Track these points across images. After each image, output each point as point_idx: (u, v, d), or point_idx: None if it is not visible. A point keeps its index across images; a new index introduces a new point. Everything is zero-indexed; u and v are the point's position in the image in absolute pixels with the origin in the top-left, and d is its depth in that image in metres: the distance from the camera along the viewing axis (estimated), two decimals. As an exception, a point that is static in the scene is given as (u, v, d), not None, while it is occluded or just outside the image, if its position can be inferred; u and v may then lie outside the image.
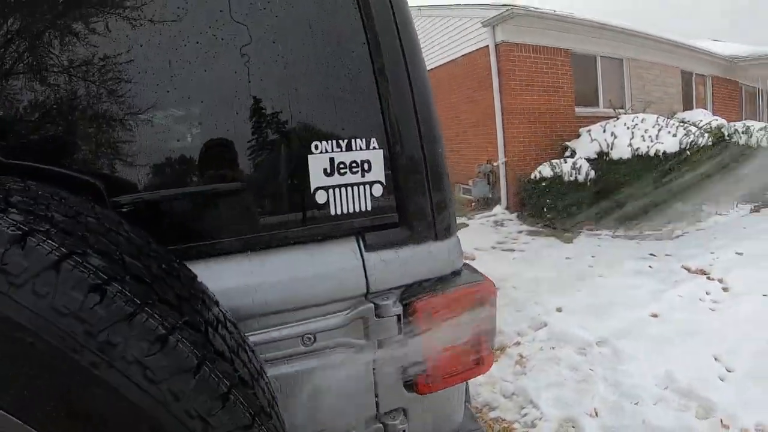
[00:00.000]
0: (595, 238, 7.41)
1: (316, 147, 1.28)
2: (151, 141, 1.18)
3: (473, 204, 10.65)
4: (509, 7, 9.24)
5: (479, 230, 7.49)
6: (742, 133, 9.08)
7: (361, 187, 1.33)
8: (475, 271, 1.50)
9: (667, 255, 6.32)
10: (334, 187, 1.30)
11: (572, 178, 7.73)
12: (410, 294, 1.34)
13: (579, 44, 10.56)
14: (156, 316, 0.75)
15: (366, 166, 1.33)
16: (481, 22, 10.03)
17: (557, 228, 7.87)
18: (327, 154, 1.29)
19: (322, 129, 1.30)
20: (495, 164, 10.28)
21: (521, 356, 4.01)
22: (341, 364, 1.30)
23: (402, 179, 1.35)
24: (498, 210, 9.75)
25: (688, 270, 5.65)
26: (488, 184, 10.50)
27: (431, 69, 11.96)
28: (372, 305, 1.30)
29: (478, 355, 1.43)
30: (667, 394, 3.29)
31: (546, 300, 4.96)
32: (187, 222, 1.23)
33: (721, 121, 9.39)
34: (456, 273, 1.44)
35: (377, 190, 1.34)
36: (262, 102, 1.26)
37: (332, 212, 1.31)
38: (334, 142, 1.31)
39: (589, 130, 9.09)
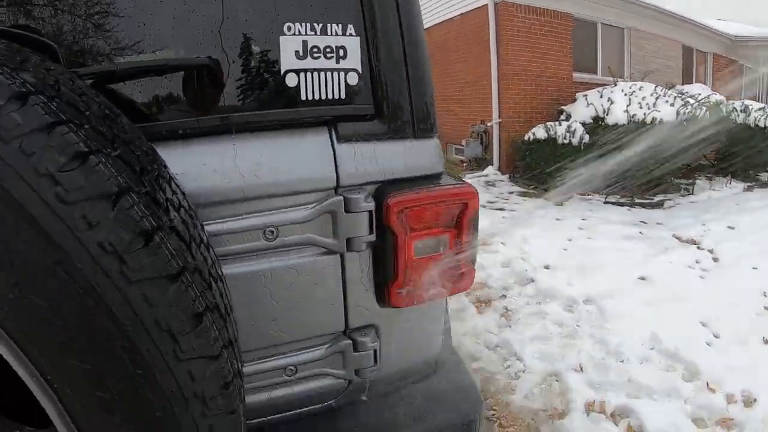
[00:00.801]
0: (586, 203, 7.31)
1: (289, 28, 1.20)
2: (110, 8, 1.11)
3: (465, 164, 10.52)
4: (515, -34, 8.91)
5: None
6: (741, 111, 9.01)
7: (335, 73, 1.24)
8: (458, 179, 1.40)
9: (658, 224, 6.25)
10: (305, 70, 1.22)
11: (566, 141, 7.59)
12: (384, 191, 1.25)
13: (581, 9, 10.36)
14: (79, 134, 0.62)
15: (341, 53, 1.24)
16: (482, -20, 9.76)
17: (548, 190, 7.73)
18: (300, 36, 1.21)
19: (295, 10, 1.21)
20: (489, 125, 10.11)
21: (507, 309, 3.94)
22: (306, 265, 1.23)
23: (379, 70, 1.26)
24: (490, 171, 9.62)
25: (679, 239, 5.58)
26: (481, 144, 10.34)
27: (427, 28, 11.50)
28: (341, 198, 1.22)
29: (458, 270, 1.34)
30: (653, 355, 3.22)
31: (534, 257, 4.82)
32: (147, 99, 1.16)
33: (720, 97, 9.33)
34: (436, 176, 1.35)
35: (352, 78, 1.25)
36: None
37: (302, 97, 1.22)
38: (308, 24, 1.21)
39: (586, 95, 8.95)
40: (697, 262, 4.88)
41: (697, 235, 5.63)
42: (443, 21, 12.09)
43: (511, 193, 7.69)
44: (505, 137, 9.78)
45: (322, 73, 1.22)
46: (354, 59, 1.25)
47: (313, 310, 1.27)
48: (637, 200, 7.41)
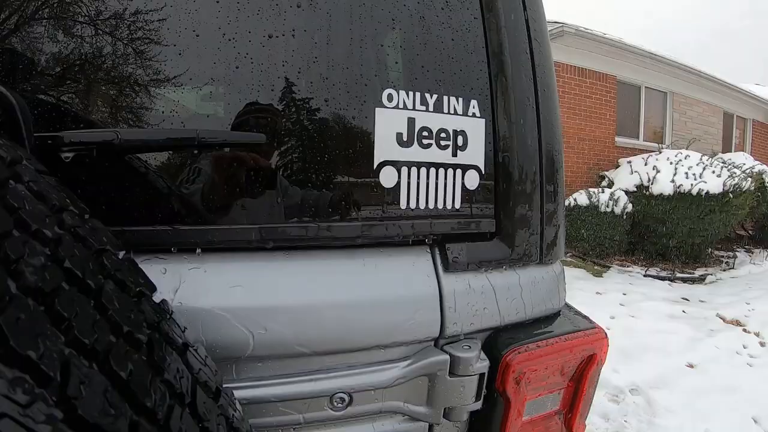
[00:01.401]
0: (626, 275, 7.09)
1: (390, 97, 0.83)
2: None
3: None
4: (560, 25, 8.91)
5: None
6: (781, 181, 8.80)
7: (449, 170, 0.88)
8: (576, 312, 1.11)
9: (701, 301, 6.08)
10: (410, 164, 0.85)
11: (608, 209, 7.47)
12: (498, 342, 0.92)
13: (625, 71, 10.21)
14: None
15: (460, 140, 0.88)
16: (530, 39, 9.64)
17: (587, 259, 7.53)
18: (405, 110, 0.84)
19: (396, 73, 0.85)
20: None
21: (548, 397, 3.77)
22: None
23: (508, 167, 0.91)
24: None
25: (723, 319, 5.42)
26: None
27: None
28: (447, 357, 0.86)
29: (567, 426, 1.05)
30: (708, 458, 3.07)
31: None
32: (163, 202, 0.78)
33: (763, 166, 9.13)
34: (557, 314, 1.06)
35: (472, 179, 0.90)
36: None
37: (401, 204, 0.86)
38: (419, 94, 0.85)
39: (630, 162, 8.74)
40: (744, 347, 4.72)
41: (742, 316, 5.45)
42: None
43: None
44: (546, 200, 8.97)
45: (432, 170, 0.86)
46: (476, 150, 0.89)
47: None
48: (678, 274, 7.20)
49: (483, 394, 0.91)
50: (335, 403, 0.82)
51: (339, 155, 0.82)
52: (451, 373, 0.86)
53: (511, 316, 0.95)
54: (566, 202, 8.06)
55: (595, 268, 7.18)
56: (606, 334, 1.06)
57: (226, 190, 0.78)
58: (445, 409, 0.90)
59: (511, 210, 0.92)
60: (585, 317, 1.10)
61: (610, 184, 8.51)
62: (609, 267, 7.23)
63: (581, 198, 7.82)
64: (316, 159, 0.80)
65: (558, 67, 9.36)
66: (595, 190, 7.95)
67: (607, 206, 7.43)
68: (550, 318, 1.05)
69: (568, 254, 7.74)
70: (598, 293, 6.06)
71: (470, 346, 0.88)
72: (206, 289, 0.74)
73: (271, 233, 0.79)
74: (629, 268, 7.37)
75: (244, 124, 0.78)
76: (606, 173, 9.15)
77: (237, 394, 0.71)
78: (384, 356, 0.85)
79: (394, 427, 0.89)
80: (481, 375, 0.89)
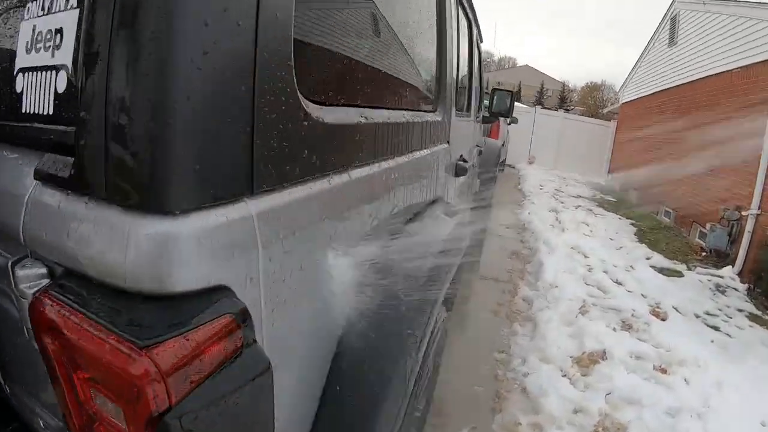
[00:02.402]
0: None
1: (29, 11, 0.86)
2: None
3: (703, 253, 8.31)
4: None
5: (691, 288, 6.13)
6: None
7: (46, 73, 0.82)
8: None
9: None
10: (28, 70, 0.86)
11: None
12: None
13: None
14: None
15: (58, 39, 0.80)
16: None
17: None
18: (32, 19, 0.85)
19: None
20: (744, 213, 7.45)
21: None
22: None
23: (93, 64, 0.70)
24: (727, 272, 7.00)
25: None
26: (729, 236, 7.79)
27: (694, 81, 10.75)
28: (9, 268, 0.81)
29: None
30: None
31: (718, 421, 3.12)
32: None
33: None
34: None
35: (61, 81, 0.80)
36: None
37: (23, 110, 0.87)
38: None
39: None
40: None
41: None
42: (718, 73, 9.72)
43: (741, 310, 5.71)
44: (759, 237, 7.02)
45: (35, 74, 0.84)
46: (67, 48, 0.79)
47: None
48: None
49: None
50: None
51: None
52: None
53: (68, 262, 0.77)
54: None
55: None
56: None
57: None
58: None
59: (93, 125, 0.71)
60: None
61: None
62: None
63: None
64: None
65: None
66: None
67: None
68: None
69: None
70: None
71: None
72: None
73: None
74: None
75: None
76: None
77: None
78: None
79: None
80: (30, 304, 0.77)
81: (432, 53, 2.14)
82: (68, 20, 0.78)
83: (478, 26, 4.18)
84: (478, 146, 4.26)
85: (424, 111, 1.97)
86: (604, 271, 6.07)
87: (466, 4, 3.19)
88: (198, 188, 0.69)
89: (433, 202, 2.13)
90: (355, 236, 1.25)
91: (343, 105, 1.17)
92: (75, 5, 0.77)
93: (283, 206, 0.87)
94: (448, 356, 3.65)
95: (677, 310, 5.15)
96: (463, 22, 3.17)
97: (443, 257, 1.65)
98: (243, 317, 0.75)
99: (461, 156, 2.80)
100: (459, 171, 2.65)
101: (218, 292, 0.73)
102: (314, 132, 0.96)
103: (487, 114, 5.33)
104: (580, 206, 11.12)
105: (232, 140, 0.73)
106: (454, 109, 2.47)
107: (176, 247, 0.66)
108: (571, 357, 3.80)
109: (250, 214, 0.77)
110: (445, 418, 3.01)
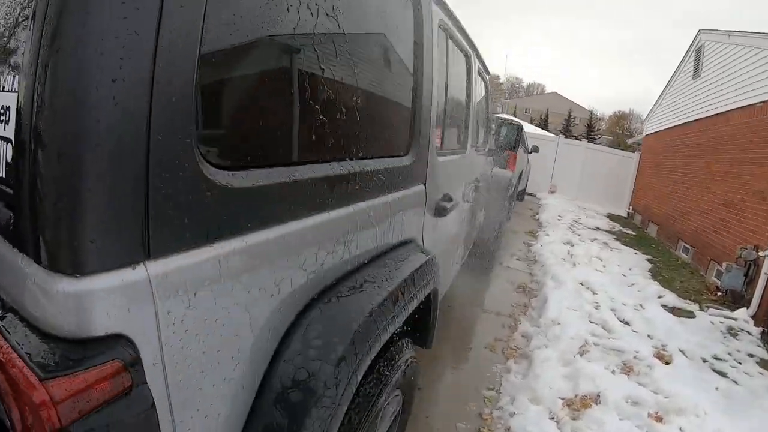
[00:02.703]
0: None
1: None
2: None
3: (718, 293, 7.96)
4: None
5: (702, 330, 5.85)
6: None
7: (2, 142, 0.94)
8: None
9: None
10: None
11: None
12: None
13: None
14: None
15: (8, 114, 0.91)
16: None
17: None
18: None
19: None
20: (761, 254, 7.07)
21: None
22: None
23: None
24: (741, 315, 6.68)
25: None
26: (745, 276, 7.37)
27: (717, 114, 10.46)
28: None
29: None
30: None
31: None
32: None
33: None
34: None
35: (9, 151, 0.91)
36: None
37: None
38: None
39: None
40: None
41: None
42: (741, 107, 9.48)
43: (752, 356, 5.39)
44: (776, 278, 6.66)
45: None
46: (11, 125, 0.91)
47: None
48: None
49: None
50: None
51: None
52: None
53: None
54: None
55: None
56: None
57: None
58: None
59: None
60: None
61: None
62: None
63: None
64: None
65: None
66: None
67: None
68: None
69: None
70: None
71: None
72: None
73: None
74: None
75: None
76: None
77: None
78: None
79: None
80: None
81: (404, 92, 2.09)
82: (10, 100, 0.89)
83: (478, 57, 4.13)
84: (477, 181, 4.19)
85: (387, 156, 1.92)
86: (612, 309, 5.92)
87: (459, 36, 3.15)
88: (98, 256, 0.82)
89: (401, 245, 2.09)
90: (279, 289, 1.30)
91: (264, 165, 1.20)
92: (13, 89, 0.88)
93: (186, 268, 0.96)
94: (435, 390, 3.59)
95: (684, 354, 4.95)
96: (457, 55, 3.13)
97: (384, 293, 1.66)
98: (133, 362, 0.86)
99: (445, 195, 2.75)
100: (439, 211, 2.59)
101: (114, 340, 0.85)
102: (218, 199, 1.02)
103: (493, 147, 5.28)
104: (596, 239, 10.93)
105: (129, 214, 0.85)
106: (433, 148, 2.41)
107: (80, 302, 0.81)
108: (562, 399, 3.67)
109: (145, 276, 0.88)
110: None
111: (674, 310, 6.43)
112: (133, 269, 0.87)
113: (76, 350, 0.82)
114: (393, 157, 1.99)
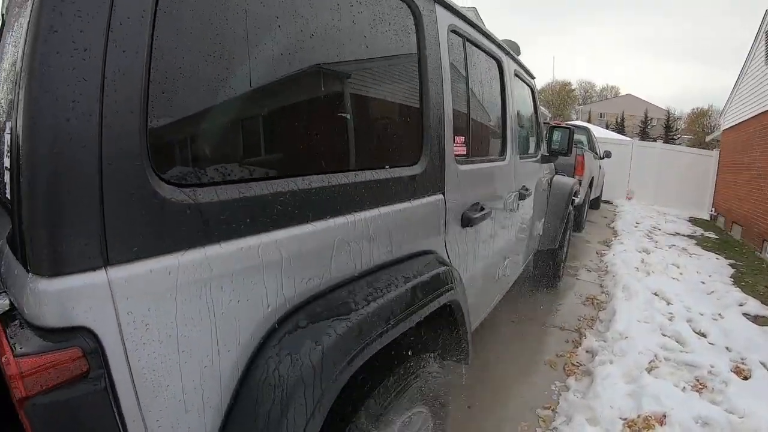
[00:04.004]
0: None
1: None
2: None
3: None
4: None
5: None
6: None
7: (4, 169, 1.19)
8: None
9: None
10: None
11: None
12: None
13: None
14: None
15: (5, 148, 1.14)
16: None
17: None
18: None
19: None
20: None
21: None
22: None
23: None
24: None
25: None
26: None
27: None
28: None
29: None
30: None
31: None
32: None
33: None
34: None
35: (7, 177, 1.13)
36: None
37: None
38: None
39: None
40: None
41: None
42: None
43: None
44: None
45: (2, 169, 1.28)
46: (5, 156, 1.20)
47: None
48: None
49: None
50: None
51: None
52: None
53: None
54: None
55: None
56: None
57: None
58: None
59: None
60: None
61: None
62: None
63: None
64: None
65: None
66: None
67: None
68: None
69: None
70: None
71: None
72: None
73: None
74: None
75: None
76: None
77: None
78: None
79: None
80: None
81: (406, 100, 2.08)
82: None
83: (515, 60, 4.01)
84: (524, 189, 4.05)
85: (382, 167, 1.88)
86: (687, 320, 5.57)
87: (484, 40, 3.08)
88: (63, 260, 0.99)
89: (415, 256, 2.06)
90: (251, 300, 1.37)
91: (220, 182, 1.28)
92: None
93: (144, 274, 1.10)
94: (485, 409, 3.48)
95: (765, 366, 4.54)
96: (482, 60, 3.06)
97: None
98: (92, 351, 1.02)
99: (475, 204, 2.67)
100: (467, 221, 2.52)
101: (78, 331, 1.02)
102: (171, 213, 1.14)
103: (546, 153, 5.12)
104: (674, 245, 10.39)
105: (89, 228, 1.01)
106: (451, 157, 2.35)
107: (50, 298, 0.99)
108: (623, 419, 3.47)
109: (105, 279, 1.03)
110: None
111: (757, 319, 5.95)
112: (95, 272, 1.02)
113: (47, 337, 1.00)
114: (394, 167, 1.95)
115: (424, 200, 2.14)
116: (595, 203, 14.54)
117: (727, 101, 15.86)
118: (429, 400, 2.07)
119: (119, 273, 1.06)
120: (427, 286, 1.97)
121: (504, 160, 3.41)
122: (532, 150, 4.67)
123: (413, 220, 2.06)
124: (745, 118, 13.55)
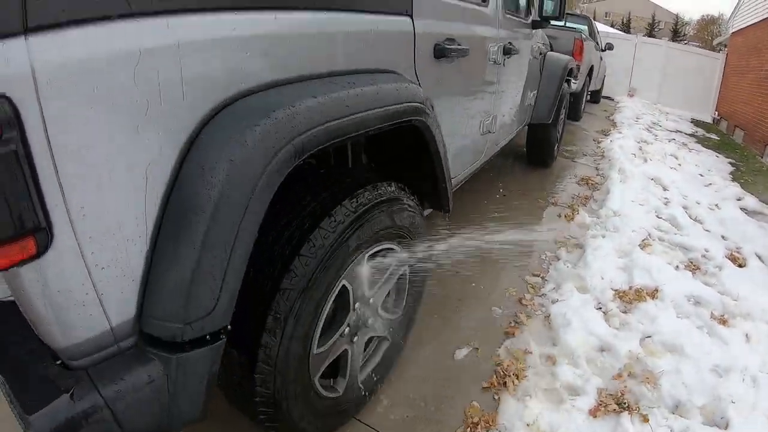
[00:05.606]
0: None
1: None
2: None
3: None
4: None
5: None
6: None
7: None
8: None
9: None
10: None
11: None
12: None
13: None
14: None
15: None
16: None
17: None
18: None
19: None
20: None
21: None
22: None
23: None
24: None
25: None
26: None
27: None
28: None
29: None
30: None
31: None
32: None
33: None
34: None
35: None
36: None
37: None
38: None
39: None
40: None
41: None
42: None
43: None
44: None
45: None
46: None
47: None
48: None
49: None
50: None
51: None
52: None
53: None
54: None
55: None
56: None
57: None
58: None
59: None
60: None
61: None
62: None
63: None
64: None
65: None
66: None
67: None
68: None
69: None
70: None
71: None
72: None
73: None
74: None
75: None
76: None
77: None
78: None
79: None
80: None
81: None
82: None
83: None
84: (511, 45, 3.61)
85: None
86: (684, 207, 5.34)
87: None
88: None
89: (370, 72, 1.82)
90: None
91: None
92: None
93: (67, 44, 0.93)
94: (473, 275, 3.30)
95: (760, 258, 4.37)
96: None
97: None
98: (8, 121, 0.88)
99: (449, 38, 2.36)
100: (439, 53, 2.26)
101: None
102: None
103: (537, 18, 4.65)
104: (674, 140, 10.08)
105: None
106: None
107: None
108: (614, 290, 3.30)
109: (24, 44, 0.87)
110: (452, 333, 2.77)
111: (755, 214, 5.74)
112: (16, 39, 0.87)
113: None
114: None
115: (384, 18, 1.88)
116: (596, 96, 14.01)
117: (737, 4, 15.02)
118: (400, 236, 1.94)
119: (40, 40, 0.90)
120: (391, 94, 1.74)
121: (486, 6, 2.98)
122: (521, 11, 4.21)
123: (371, 36, 1.80)
124: (754, 21, 12.82)
